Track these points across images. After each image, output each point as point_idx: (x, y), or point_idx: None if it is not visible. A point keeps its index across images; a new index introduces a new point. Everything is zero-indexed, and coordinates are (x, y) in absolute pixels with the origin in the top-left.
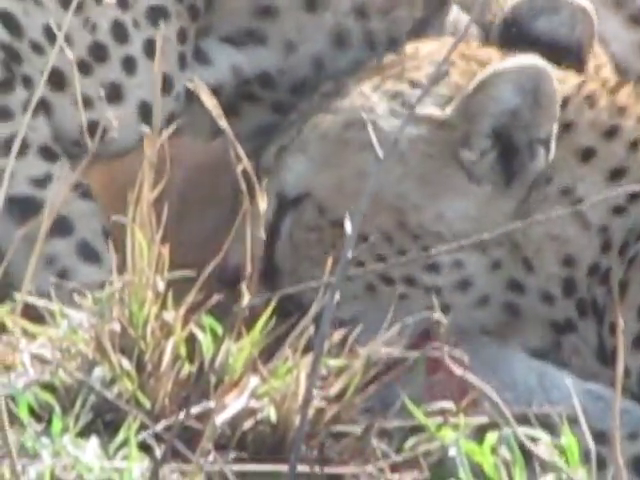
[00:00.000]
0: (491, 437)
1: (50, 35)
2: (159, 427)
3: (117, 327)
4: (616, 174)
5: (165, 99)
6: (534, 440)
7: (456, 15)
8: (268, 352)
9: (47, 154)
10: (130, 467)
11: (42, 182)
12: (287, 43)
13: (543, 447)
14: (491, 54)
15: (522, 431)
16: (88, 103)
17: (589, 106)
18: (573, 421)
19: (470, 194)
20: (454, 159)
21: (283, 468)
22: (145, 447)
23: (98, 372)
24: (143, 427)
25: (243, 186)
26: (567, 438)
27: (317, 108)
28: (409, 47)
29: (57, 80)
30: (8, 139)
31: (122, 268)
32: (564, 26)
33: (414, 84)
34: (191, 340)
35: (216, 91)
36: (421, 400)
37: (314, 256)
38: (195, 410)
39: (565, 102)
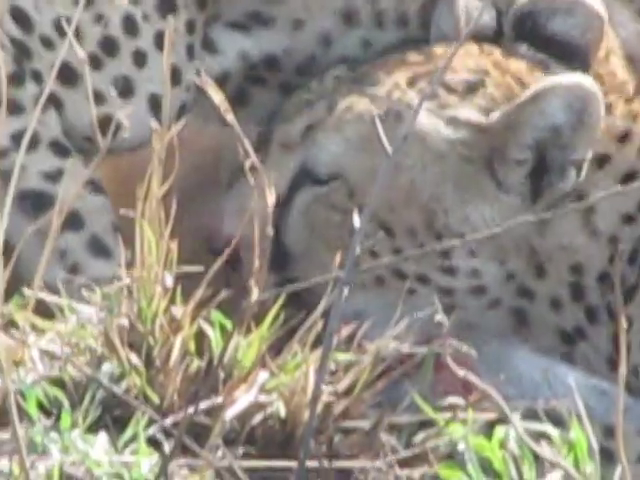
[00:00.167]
0: (500, 432)
1: (61, 30)
2: (168, 422)
3: (126, 322)
4: (627, 178)
5: (175, 90)
6: (542, 435)
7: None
8: (277, 347)
9: (58, 149)
10: (139, 462)
11: (53, 177)
12: (294, 22)
13: (547, 447)
14: (521, 67)
15: (529, 426)
16: (100, 98)
17: (608, 113)
18: (580, 416)
19: (497, 202)
20: (488, 166)
21: (292, 463)
22: (154, 442)
23: (107, 367)
24: (152, 422)
25: (251, 180)
26: (575, 433)
27: (339, 90)
28: (439, 49)
29: (68, 75)
30: (18, 134)
31: (131, 263)
32: (577, 28)
33: (450, 89)
34: (200, 335)
35: (224, 79)
36: (430, 395)
37: (331, 238)
38: (204, 405)
39: None
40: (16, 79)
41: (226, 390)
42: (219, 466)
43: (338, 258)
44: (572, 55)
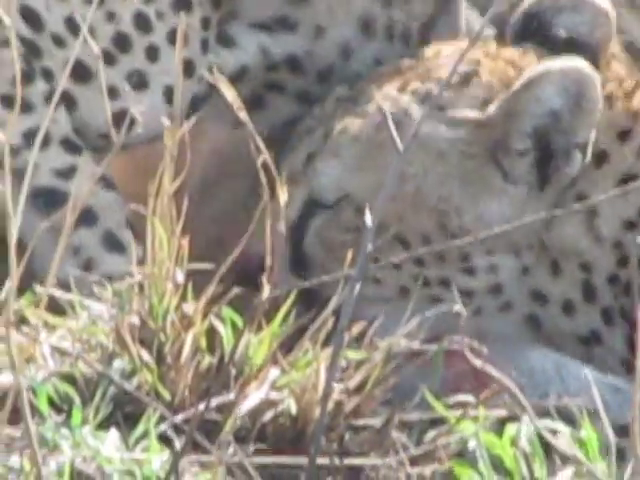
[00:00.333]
0: (511, 429)
1: (71, 28)
2: (179, 419)
3: (137, 319)
4: (625, 180)
5: (188, 82)
6: (554, 433)
7: (467, 14)
8: (288, 344)
9: (69, 146)
10: (150, 459)
11: (66, 174)
12: (317, 28)
13: (563, 440)
14: (513, 53)
15: (541, 423)
16: (114, 92)
17: (608, 107)
18: (592, 413)
19: (506, 195)
20: (492, 159)
21: (303, 460)
22: (165, 439)
23: (118, 364)
24: (163, 419)
25: (263, 179)
26: (587, 431)
27: (336, 113)
28: (429, 50)
29: (81, 72)
30: (30, 132)
31: (142, 260)
32: (585, 25)
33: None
34: (211, 332)
35: (242, 74)
36: (441, 392)
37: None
38: (215, 402)
39: None
40: (26, 77)
41: (237, 387)
42: (230, 463)
43: (350, 256)
44: (580, 52)
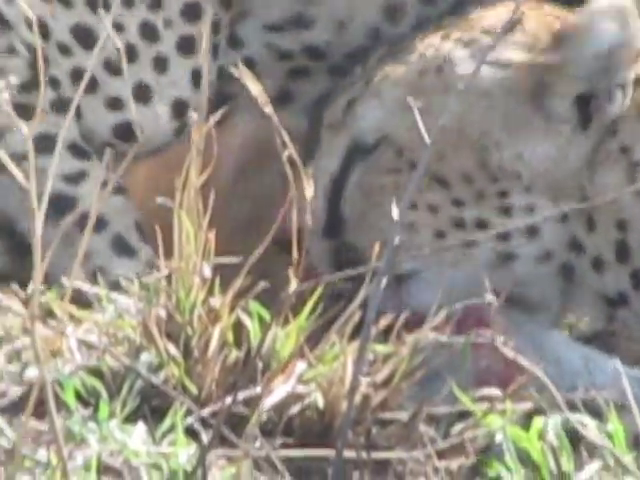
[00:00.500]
0: (538, 423)
1: (77, 36)
2: (206, 412)
3: (164, 313)
4: None
5: (198, 91)
6: (582, 426)
7: None
8: (315, 338)
9: (77, 151)
10: (177, 453)
11: (74, 179)
12: (337, 23)
13: (593, 431)
14: (555, 7)
15: (570, 416)
16: (119, 104)
17: None
18: (619, 407)
19: (549, 134)
20: (535, 99)
21: (330, 454)
22: (192, 433)
23: (145, 357)
24: (190, 413)
25: (289, 173)
26: (614, 424)
27: (377, 66)
28: (472, 14)
29: (87, 82)
30: (36, 138)
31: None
32: None
33: (486, 31)
34: (238, 326)
35: (247, 66)
36: (468, 386)
37: (387, 203)
38: (242, 396)
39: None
40: (32, 85)
41: (264, 380)
42: (257, 456)
43: (377, 249)
44: None
